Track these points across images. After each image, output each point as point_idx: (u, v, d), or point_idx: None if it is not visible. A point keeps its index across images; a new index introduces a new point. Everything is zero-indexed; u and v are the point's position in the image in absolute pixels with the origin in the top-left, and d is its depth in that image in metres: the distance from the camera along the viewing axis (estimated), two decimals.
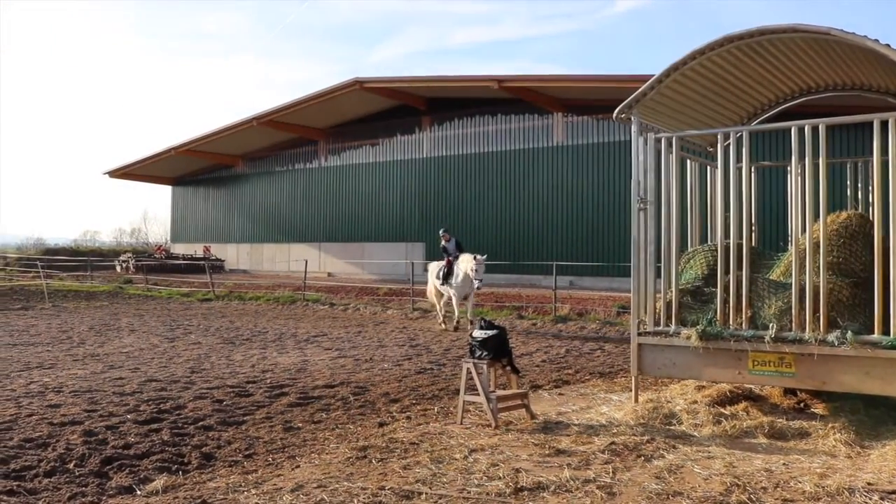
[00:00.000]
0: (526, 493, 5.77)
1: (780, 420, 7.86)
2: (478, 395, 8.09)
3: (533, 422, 8.15)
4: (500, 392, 8.34)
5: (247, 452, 7.25)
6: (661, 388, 10.06)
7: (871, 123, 7.86)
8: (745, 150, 8.67)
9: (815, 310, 7.87)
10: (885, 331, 7.55)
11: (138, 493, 6.06)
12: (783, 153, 9.39)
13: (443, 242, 18.91)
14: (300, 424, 8.34)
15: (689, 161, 10.59)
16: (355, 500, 5.61)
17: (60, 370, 11.77)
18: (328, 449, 7.27)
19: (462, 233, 36.90)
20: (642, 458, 6.74)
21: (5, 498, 5.87)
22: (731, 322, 8.37)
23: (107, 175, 52.58)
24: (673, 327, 8.72)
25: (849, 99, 10.80)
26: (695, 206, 10.57)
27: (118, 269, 45.41)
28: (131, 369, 11.84)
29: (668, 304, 8.86)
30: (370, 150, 42.09)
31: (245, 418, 8.59)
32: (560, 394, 10.12)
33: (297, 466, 6.68)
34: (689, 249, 9.88)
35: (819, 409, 8.58)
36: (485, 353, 8.27)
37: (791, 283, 8.10)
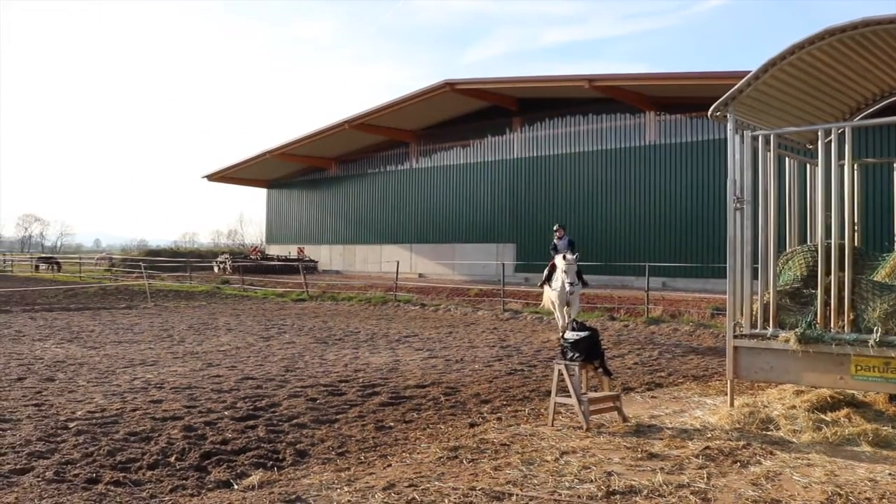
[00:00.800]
0: (618, 496, 5.70)
1: (886, 428, 7.55)
2: (569, 396, 8.03)
3: (625, 425, 8.05)
4: (592, 394, 8.27)
5: (339, 450, 7.37)
6: (757, 392, 9.79)
7: None
8: (847, 147, 8.37)
9: None
10: None
11: (235, 487, 6.23)
12: (889, 149, 9.07)
13: (554, 239, 17.25)
14: (392, 424, 8.43)
15: (787, 159, 10.28)
16: (446, 500, 5.64)
17: (162, 367, 12.20)
18: (419, 448, 7.33)
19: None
20: (738, 463, 6.58)
21: (112, 488, 6.12)
22: (832, 325, 8.09)
23: (205, 179, 54.27)
24: (770, 330, 8.48)
25: None
26: (793, 206, 10.26)
27: (216, 269, 46.78)
28: (228, 367, 12.18)
29: (766, 306, 8.62)
30: (461, 151, 42.24)
31: (338, 417, 8.73)
32: (653, 397, 9.96)
33: (389, 465, 6.76)
34: (788, 250, 9.59)
35: None
36: (576, 355, 8.21)
37: None
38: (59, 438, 7.53)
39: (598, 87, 32.54)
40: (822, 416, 7.96)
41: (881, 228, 18.15)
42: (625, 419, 8.19)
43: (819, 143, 8.75)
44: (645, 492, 5.78)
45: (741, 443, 7.21)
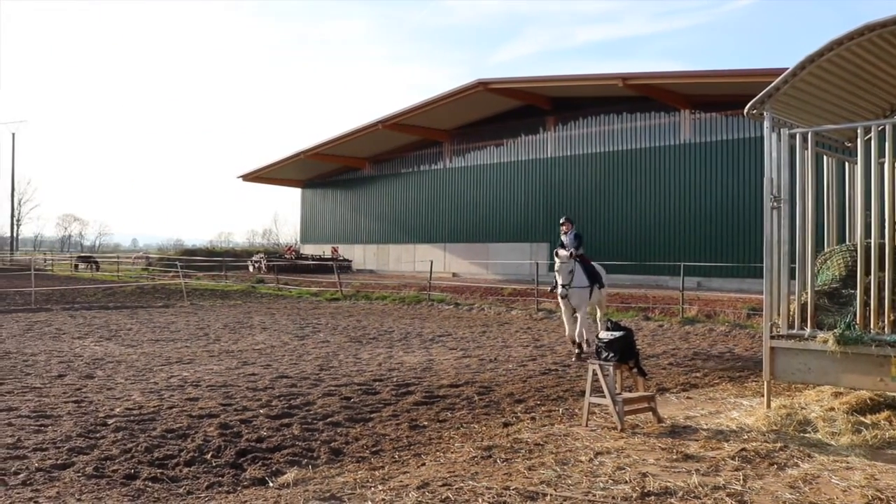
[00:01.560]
0: (653, 498, 5.66)
1: None
2: (603, 397, 8.00)
3: (660, 425, 8.00)
4: (627, 394, 8.22)
5: (374, 449, 7.40)
6: (794, 393, 9.67)
7: None
8: (888, 144, 8.22)
9: None
10: None
11: (270, 485, 6.28)
12: None
13: (561, 235, 15.06)
14: (426, 423, 8.45)
15: (825, 157, 10.15)
16: (480, 500, 5.64)
17: (198, 365, 12.33)
18: (453, 448, 7.34)
19: (586, 232, 36.50)
20: (775, 466, 6.51)
21: (150, 484, 6.21)
22: (872, 326, 7.96)
23: (240, 179, 54.74)
24: (808, 331, 8.36)
25: None
26: (831, 205, 10.12)
27: (250, 269, 47.14)
28: (263, 366, 12.28)
29: (804, 307, 8.51)
30: (494, 150, 42.19)
31: (372, 415, 8.77)
32: (688, 397, 9.88)
33: (423, 464, 6.77)
34: (826, 249, 9.46)
35: None
36: (611, 355, 8.18)
37: None
38: (98, 435, 7.65)
39: (631, 86, 32.33)
40: (862, 419, 7.84)
41: None
42: (660, 420, 8.13)
43: (858, 140, 8.62)
44: (680, 493, 5.74)
45: (778, 445, 7.12)
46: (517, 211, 40.37)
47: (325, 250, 51.35)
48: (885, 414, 8.00)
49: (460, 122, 43.08)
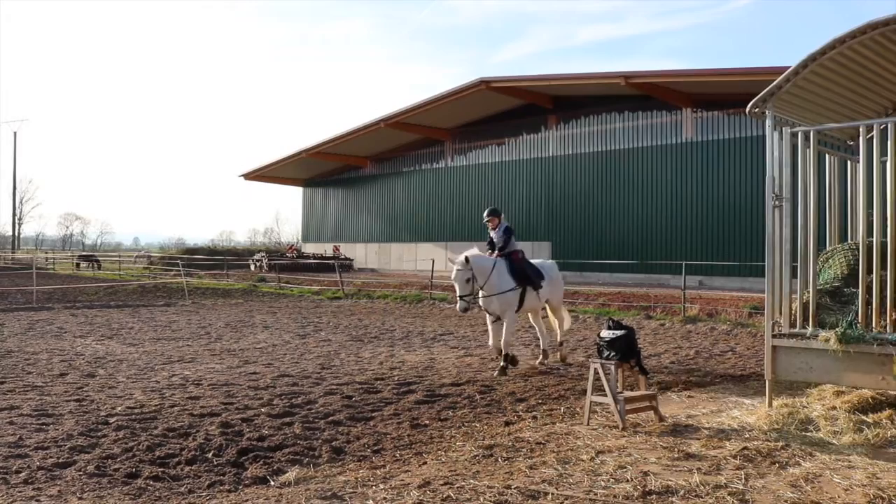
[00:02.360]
0: (654, 496, 5.65)
1: None
2: (605, 395, 7.99)
3: (661, 424, 7.99)
4: (628, 393, 8.22)
5: (375, 448, 7.40)
6: (796, 392, 9.66)
7: None
8: (890, 143, 8.21)
9: None
10: None
11: (272, 483, 6.28)
12: None
13: (489, 231, 12.84)
14: (427, 421, 8.45)
15: (827, 155, 10.13)
16: (481, 499, 5.64)
17: (200, 364, 12.34)
18: (455, 446, 7.33)
19: (588, 231, 36.62)
20: (777, 464, 6.50)
21: (151, 483, 6.21)
22: (874, 325, 7.95)
23: (242, 177, 54.75)
24: (810, 329, 8.35)
25: None
26: (833, 203, 10.11)
27: (252, 267, 47.15)
28: (265, 364, 12.28)
29: (805, 305, 8.50)
30: (496, 149, 42.19)
31: (373, 414, 8.77)
32: (689, 396, 9.87)
33: (424, 463, 6.77)
34: (828, 248, 9.45)
35: None
36: (613, 354, 8.17)
37: None
38: (99, 433, 7.65)
39: (634, 85, 32.32)
40: (864, 418, 7.84)
41: None
42: (661, 419, 8.13)
43: (860, 139, 8.61)
44: (682, 492, 5.73)
45: (780, 444, 7.12)
46: (519, 210, 40.34)
47: (326, 249, 51.36)
48: (886, 413, 8.00)
49: (462, 121, 43.07)
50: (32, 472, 6.36)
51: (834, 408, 8.29)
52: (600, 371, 8.04)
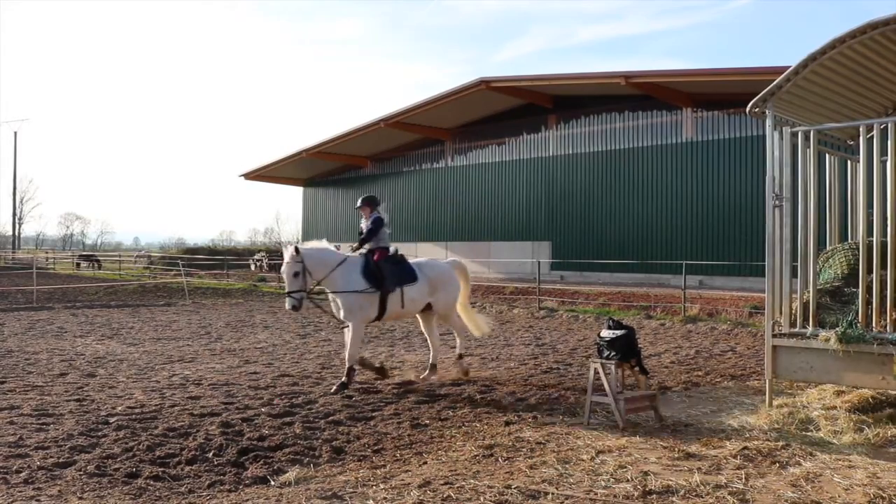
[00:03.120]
0: (654, 496, 5.66)
1: None
2: (605, 395, 8.00)
3: (662, 424, 8.00)
4: (629, 393, 8.22)
5: (375, 447, 7.40)
6: (796, 392, 9.66)
7: None
8: (890, 143, 8.21)
9: None
10: None
11: (272, 483, 6.28)
12: None
13: (361, 221, 11.31)
14: (427, 421, 8.45)
15: (827, 155, 10.13)
16: (482, 498, 5.64)
17: (200, 364, 12.34)
18: (455, 446, 7.34)
19: (588, 231, 36.61)
20: (777, 464, 6.50)
21: (152, 483, 6.21)
22: (874, 324, 7.96)
23: (242, 177, 54.73)
24: (810, 329, 8.36)
25: None
26: (834, 203, 10.11)
27: (252, 267, 47.12)
28: (265, 364, 12.29)
29: (806, 305, 8.50)
30: (496, 149, 42.17)
31: (373, 414, 8.77)
32: (689, 396, 9.87)
33: (425, 463, 6.77)
34: (828, 248, 9.45)
35: None
36: (613, 354, 8.17)
37: None
38: (100, 433, 7.66)
39: (634, 84, 32.29)
40: (864, 417, 7.84)
41: None
42: (661, 418, 8.13)
43: (860, 138, 8.62)
44: (682, 492, 5.73)
45: (780, 443, 7.12)
46: (519, 210, 40.33)
47: None
48: (887, 412, 8.01)
49: (463, 121, 43.03)
50: (33, 472, 6.36)
51: (834, 407, 8.30)
52: (600, 371, 8.05)
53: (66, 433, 7.61)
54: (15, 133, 79.80)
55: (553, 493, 5.73)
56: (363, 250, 10.93)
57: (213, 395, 9.63)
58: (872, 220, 8.28)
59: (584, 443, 7.29)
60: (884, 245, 8.03)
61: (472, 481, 6.05)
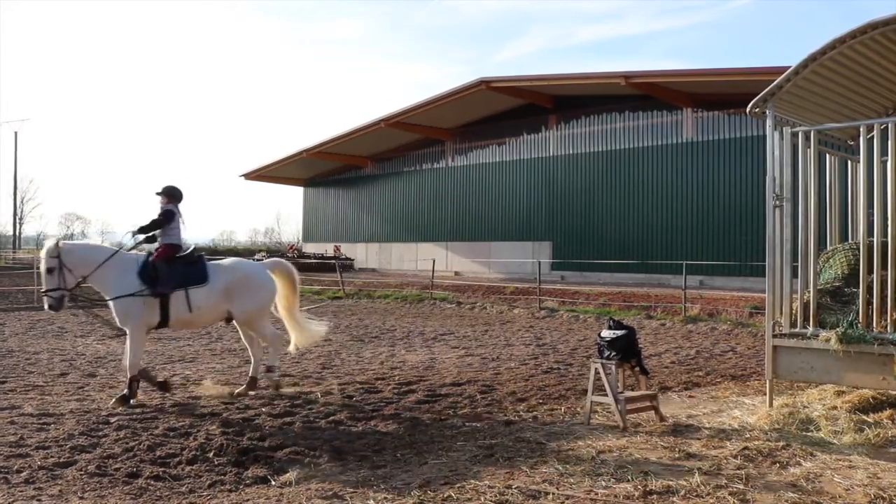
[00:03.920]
0: (655, 496, 5.66)
1: None
2: (606, 395, 8.00)
3: (662, 424, 8.00)
4: (629, 393, 8.22)
5: (376, 447, 7.40)
6: (796, 392, 9.66)
7: None
8: (890, 143, 8.21)
9: None
10: None
11: (273, 483, 6.27)
12: None
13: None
14: (428, 421, 8.45)
15: (827, 155, 10.14)
16: (482, 498, 5.64)
17: (200, 363, 12.34)
18: (455, 446, 7.34)
19: (589, 231, 36.63)
20: (777, 464, 6.50)
21: (152, 483, 6.21)
22: (874, 325, 7.96)
23: (242, 177, 54.74)
24: (811, 329, 8.36)
25: None
26: (834, 203, 10.11)
27: None
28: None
29: (806, 305, 8.50)
30: (496, 149, 42.18)
31: (374, 414, 8.77)
32: (690, 396, 9.88)
33: (425, 463, 6.77)
34: (829, 248, 9.45)
35: None
36: (613, 354, 8.17)
37: None
38: (100, 433, 7.65)
39: (634, 84, 32.31)
40: (864, 418, 7.84)
41: None
42: (662, 419, 8.13)
43: (861, 138, 8.62)
44: (682, 492, 5.73)
45: (780, 443, 7.12)
46: (519, 210, 40.35)
47: (327, 249, 51.31)
48: (887, 412, 8.00)
49: (463, 121, 43.05)
50: (33, 472, 6.36)
51: (835, 408, 8.30)
52: (601, 371, 8.05)
53: (67, 433, 7.61)
54: (15, 133, 79.89)
55: (553, 493, 5.73)
56: (140, 237, 9.78)
57: (214, 395, 9.63)
58: (873, 220, 8.28)
59: (584, 443, 7.29)
60: (884, 245, 8.03)
61: (472, 481, 6.06)
